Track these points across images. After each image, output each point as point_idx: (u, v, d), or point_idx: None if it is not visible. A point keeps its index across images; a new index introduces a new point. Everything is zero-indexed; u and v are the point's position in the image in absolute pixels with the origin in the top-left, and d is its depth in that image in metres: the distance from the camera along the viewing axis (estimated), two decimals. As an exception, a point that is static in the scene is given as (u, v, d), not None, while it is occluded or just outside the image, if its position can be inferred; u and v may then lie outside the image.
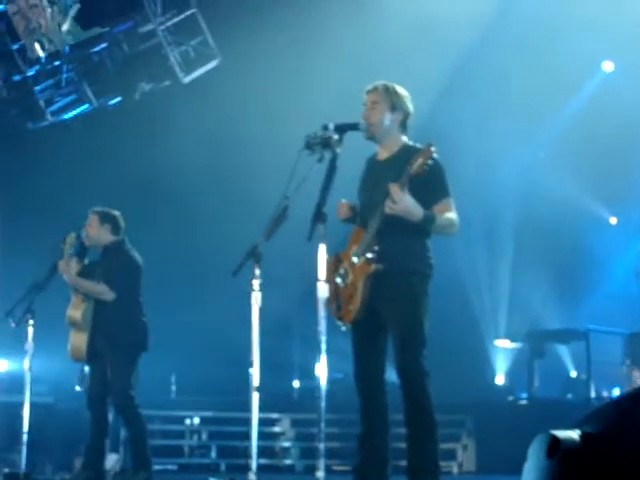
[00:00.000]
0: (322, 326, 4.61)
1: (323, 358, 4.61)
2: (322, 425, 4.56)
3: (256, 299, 5.18)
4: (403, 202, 4.97)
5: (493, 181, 12.40)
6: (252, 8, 11.60)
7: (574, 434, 2.24)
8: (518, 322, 12.65)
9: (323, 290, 4.67)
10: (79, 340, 7.24)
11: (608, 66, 12.55)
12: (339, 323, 5.25)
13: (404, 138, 5.37)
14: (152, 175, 12.08)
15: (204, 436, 11.33)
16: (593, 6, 10.96)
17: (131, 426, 7.36)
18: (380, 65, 10.38)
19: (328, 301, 4.84)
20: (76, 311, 7.25)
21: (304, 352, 12.37)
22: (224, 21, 12.14)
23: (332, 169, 4.82)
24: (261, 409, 5.16)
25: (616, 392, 10.45)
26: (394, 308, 5.13)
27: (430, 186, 5.13)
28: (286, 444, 11.53)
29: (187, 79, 12.48)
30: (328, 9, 11.43)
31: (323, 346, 4.61)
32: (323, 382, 4.62)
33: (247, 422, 5.11)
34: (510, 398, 11.95)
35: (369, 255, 5.12)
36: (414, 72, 9.31)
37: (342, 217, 5.47)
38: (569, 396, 11.43)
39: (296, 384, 13.23)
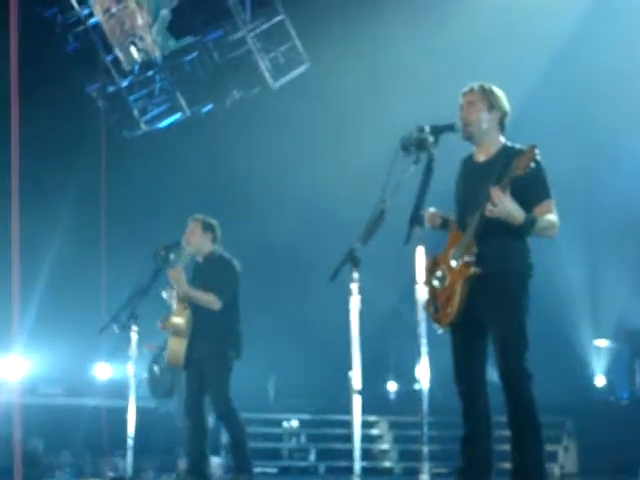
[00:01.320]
0: (422, 328, 4.59)
1: (424, 360, 4.59)
2: (425, 428, 4.54)
3: (355, 303, 5.21)
4: (504, 205, 4.91)
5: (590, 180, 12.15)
6: (340, 12, 11.62)
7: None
8: (607, 321, 12.40)
9: (422, 293, 4.65)
10: (179, 346, 7.37)
11: None
12: (436, 326, 5.20)
13: (502, 138, 5.29)
14: (244, 181, 12.19)
15: (303, 439, 11.39)
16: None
17: (232, 431, 7.44)
18: (472, 62, 10.33)
19: (426, 304, 4.77)
20: (180, 318, 7.38)
21: (401, 355, 12.35)
22: (313, 26, 12.19)
23: (429, 171, 4.78)
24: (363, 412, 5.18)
25: None
26: (494, 310, 5.07)
27: (532, 188, 5.05)
28: (385, 447, 11.53)
29: (277, 85, 12.60)
30: (414, 9, 11.38)
31: (424, 349, 4.58)
32: (425, 385, 4.60)
33: (346, 425, 5.13)
34: (611, 398, 11.75)
35: (467, 258, 5.08)
36: (506, 68, 9.23)
37: (431, 225, 5.41)
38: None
39: (392, 387, 13.21)
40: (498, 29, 11.00)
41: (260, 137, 12.32)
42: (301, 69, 12.61)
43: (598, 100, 11.25)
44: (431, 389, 4.67)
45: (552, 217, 5.13)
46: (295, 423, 11.36)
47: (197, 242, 7.53)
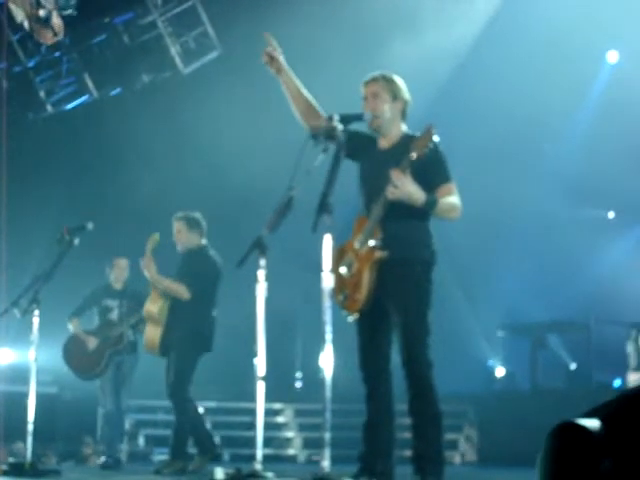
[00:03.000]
0: (327, 316, 4.61)
1: (328, 348, 4.61)
2: (327, 415, 4.57)
3: (261, 290, 5.22)
4: (405, 186, 4.96)
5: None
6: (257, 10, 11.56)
7: (596, 423, 2.25)
8: (508, 312, 12.63)
9: (328, 281, 4.67)
10: (153, 333, 7.54)
11: (613, 56, 12.51)
12: (345, 313, 5.22)
13: (404, 127, 5.33)
14: (152, 164, 12.07)
15: (208, 426, 11.35)
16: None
17: (179, 419, 7.60)
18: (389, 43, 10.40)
19: (334, 292, 4.87)
20: (153, 305, 7.54)
21: (307, 343, 12.39)
22: (225, 12, 12.12)
23: (337, 160, 4.82)
24: (264, 399, 5.20)
25: (617, 382, 10.46)
26: (399, 297, 5.12)
27: (431, 171, 5.11)
28: (289, 434, 11.57)
29: (187, 70, 12.50)
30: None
31: (328, 336, 4.61)
32: (328, 372, 4.62)
33: (251, 412, 5.14)
34: (511, 388, 11.98)
35: (373, 242, 5.11)
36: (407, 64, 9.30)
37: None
38: (570, 386, 11.45)
39: (299, 375, 13.26)
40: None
41: (170, 121, 12.21)
42: (212, 55, 12.53)
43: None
44: (336, 376, 4.72)
45: (453, 199, 5.19)
46: (200, 410, 11.31)
47: (186, 241, 7.61)
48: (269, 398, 5.45)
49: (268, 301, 5.30)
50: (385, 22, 11.39)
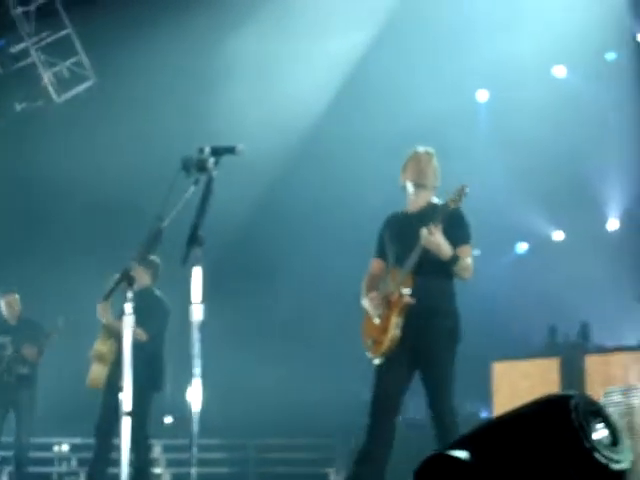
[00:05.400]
0: (196, 349, 4.56)
1: (196, 382, 4.56)
2: (194, 450, 4.50)
3: (128, 323, 5.12)
4: (437, 237, 5.51)
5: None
6: (129, 29, 11.48)
7: (464, 454, 2.28)
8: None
9: (197, 313, 4.62)
10: (99, 372, 7.80)
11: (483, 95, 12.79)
12: (372, 356, 5.69)
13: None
14: (27, 190, 11.86)
15: (74, 462, 11.09)
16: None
17: (139, 458, 7.56)
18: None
19: (364, 336, 5.68)
20: (103, 346, 7.80)
21: (178, 376, 12.20)
22: (100, 42, 12.00)
23: (208, 192, 4.79)
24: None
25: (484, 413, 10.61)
26: (426, 348, 5.61)
27: (454, 231, 5.67)
28: (158, 470, 11.36)
29: (61, 99, 12.30)
30: (205, 31, 11.43)
31: (196, 370, 4.56)
32: (196, 407, 4.55)
33: (116, 448, 5.03)
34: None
35: (404, 290, 5.58)
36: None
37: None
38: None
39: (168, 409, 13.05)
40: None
41: (43, 150, 12.00)
42: (87, 84, 12.36)
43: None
44: (207, 411, 4.66)
45: (470, 261, 5.74)
46: (66, 447, 11.05)
47: (138, 277, 7.47)
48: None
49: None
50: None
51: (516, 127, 11.41)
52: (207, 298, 4.64)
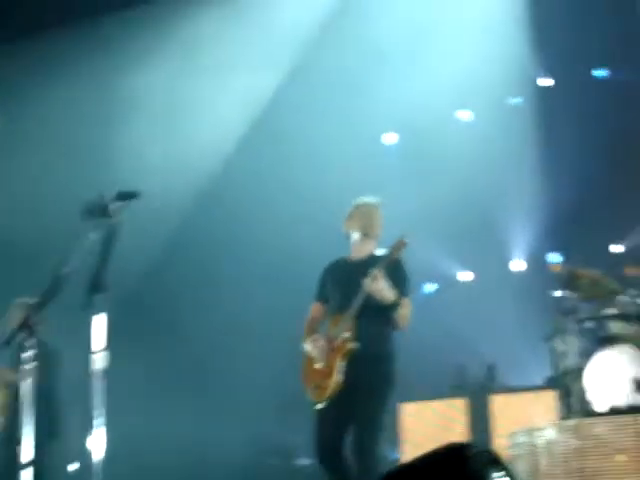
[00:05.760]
0: (97, 399, 4.48)
1: (98, 432, 4.48)
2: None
3: (29, 371, 5.00)
4: (380, 283, 5.69)
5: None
6: (34, 72, 11.31)
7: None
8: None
9: (98, 362, 4.54)
10: None
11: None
12: (315, 401, 5.83)
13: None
14: None
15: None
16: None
17: None
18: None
19: (306, 381, 5.86)
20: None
21: (85, 425, 11.95)
22: (7, 79, 11.80)
23: (110, 237, 4.74)
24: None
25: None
26: (365, 390, 5.72)
27: (395, 281, 5.86)
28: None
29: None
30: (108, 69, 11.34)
31: (97, 420, 4.48)
32: (97, 457, 4.47)
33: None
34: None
35: (346, 334, 5.74)
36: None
37: None
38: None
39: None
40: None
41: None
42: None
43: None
44: (110, 461, 4.57)
45: (407, 312, 5.98)
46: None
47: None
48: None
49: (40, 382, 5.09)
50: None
51: (424, 170, 11.57)
52: (113, 344, 4.58)
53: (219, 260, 11.35)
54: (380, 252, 6.08)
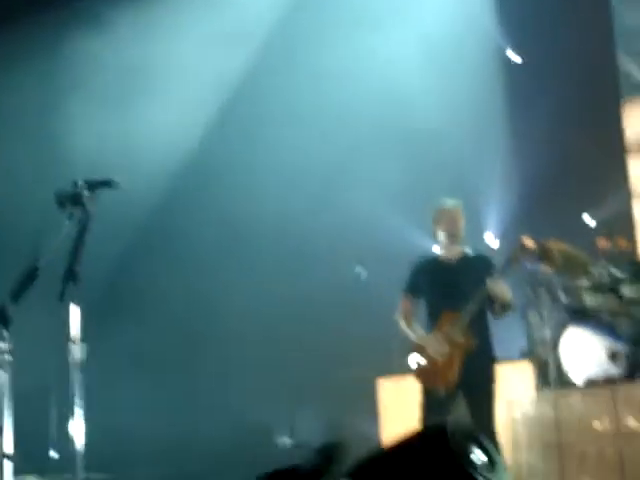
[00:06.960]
0: (76, 388, 4.50)
1: (78, 419, 4.50)
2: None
3: (6, 363, 5.00)
4: (502, 283, 6.37)
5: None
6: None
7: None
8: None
9: (77, 351, 4.55)
10: None
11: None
12: (437, 389, 6.38)
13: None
14: None
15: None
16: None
17: None
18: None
19: (424, 373, 6.49)
20: None
21: (63, 415, 11.91)
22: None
23: (83, 227, 4.73)
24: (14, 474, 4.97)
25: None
26: (478, 386, 6.37)
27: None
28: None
29: None
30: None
31: (77, 408, 4.49)
32: (79, 443, 4.54)
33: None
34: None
35: (468, 333, 6.35)
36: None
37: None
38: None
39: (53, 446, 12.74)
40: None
41: None
42: None
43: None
44: (91, 447, 4.60)
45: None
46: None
47: None
48: (21, 471, 5.25)
49: (18, 374, 5.08)
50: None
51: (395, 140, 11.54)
52: (88, 334, 4.58)
53: (196, 242, 11.26)
54: (470, 252, 6.75)
